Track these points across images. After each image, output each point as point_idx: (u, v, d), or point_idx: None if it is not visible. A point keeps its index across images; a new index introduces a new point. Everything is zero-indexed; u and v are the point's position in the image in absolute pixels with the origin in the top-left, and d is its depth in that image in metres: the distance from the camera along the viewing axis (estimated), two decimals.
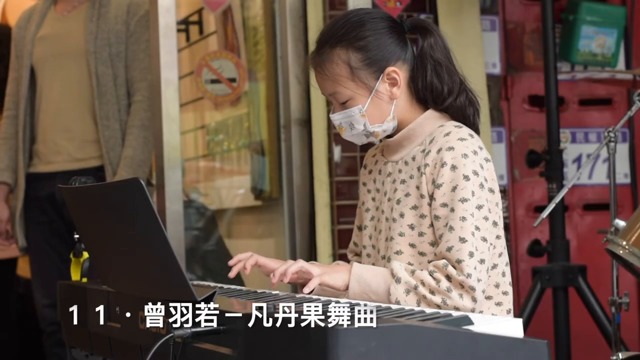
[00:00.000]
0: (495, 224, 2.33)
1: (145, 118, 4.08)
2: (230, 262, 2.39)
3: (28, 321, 5.55)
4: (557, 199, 3.55)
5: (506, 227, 4.56)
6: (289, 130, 4.35)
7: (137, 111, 4.08)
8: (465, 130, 2.36)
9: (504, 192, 4.58)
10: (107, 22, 4.08)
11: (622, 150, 4.36)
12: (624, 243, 3.06)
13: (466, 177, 2.28)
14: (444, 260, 2.25)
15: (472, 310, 2.22)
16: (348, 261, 2.64)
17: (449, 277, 2.23)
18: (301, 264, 2.30)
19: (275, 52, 4.45)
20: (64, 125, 4.08)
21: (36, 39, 4.16)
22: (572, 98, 4.74)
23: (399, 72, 2.39)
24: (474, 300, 2.22)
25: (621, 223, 3.14)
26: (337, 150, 4.22)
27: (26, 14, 4.32)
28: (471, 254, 2.23)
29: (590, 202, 4.72)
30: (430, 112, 2.42)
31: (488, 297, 2.34)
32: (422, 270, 2.29)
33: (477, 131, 2.41)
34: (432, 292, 2.23)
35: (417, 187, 2.35)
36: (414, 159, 2.39)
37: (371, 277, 2.29)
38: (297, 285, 2.39)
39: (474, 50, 4.37)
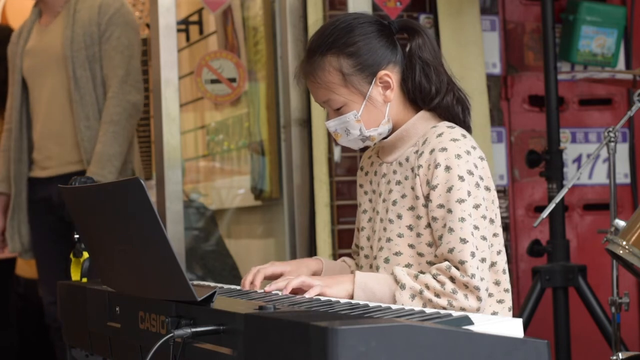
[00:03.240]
0: (492, 221, 2.34)
1: (115, 113, 4.09)
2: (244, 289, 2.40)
3: (28, 320, 5.56)
4: (557, 199, 3.55)
5: (506, 227, 4.56)
6: (289, 130, 4.35)
7: (107, 107, 4.10)
8: (458, 131, 2.36)
9: (504, 192, 4.58)
10: (82, 26, 4.14)
11: (622, 150, 4.36)
12: (624, 243, 3.06)
13: (461, 178, 2.28)
14: (446, 263, 2.25)
15: (478, 310, 2.23)
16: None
17: (452, 279, 2.23)
18: (303, 278, 2.30)
19: (275, 52, 4.45)
20: (54, 131, 4.17)
21: (24, 53, 4.28)
22: (572, 98, 4.74)
23: (391, 74, 2.40)
24: (479, 299, 2.23)
25: (621, 223, 3.14)
26: (337, 150, 4.22)
27: (17, 31, 4.43)
28: (473, 254, 2.24)
29: (590, 202, 4.72)
30: (423, 113, 2.42)
31: (489, 295, 2.35)
32: (423, 272, 2.29)
33: (468, 129, 2.42)
34: (437, 295, 2.23)
35: (412, 188, 2.36)
36: (407, 160, 2.39)
37: (375, 284, 2.29)
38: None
39: (474, 50, 4.37)
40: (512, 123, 4.66)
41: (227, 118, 4.93)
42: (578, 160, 4.70)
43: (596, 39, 4.60)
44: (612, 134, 3.43)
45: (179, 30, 4.57)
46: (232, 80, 4.50)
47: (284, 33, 4.35)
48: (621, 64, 4.69)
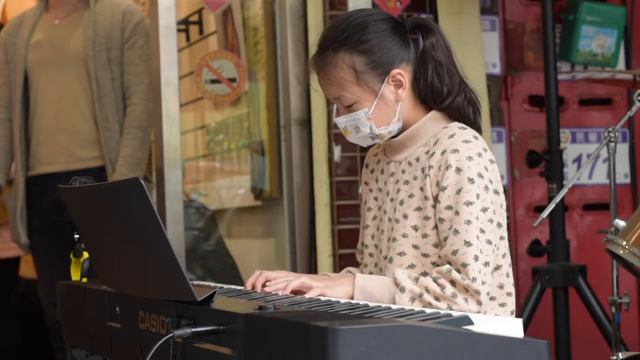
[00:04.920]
0: (499, 225, 2.33)
1: (143, 119, 4.17)
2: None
3: (28, 321, 5.56)
4: (557, 199, 3.55)
5: (506, 227, 4.56)
6: (289, 130, 4.35)
7: (134, 112, 4.17)
8: (470, 132, 2.35)
9: (504, 192, 4.58)
10: (103, 28, 4.19)
11: (622, 150, 4.36)
12: (624, 243, 3.06)
13: (471, 180, 2.27)
14: (447, 266, 2.24)
15: (478, 314, 2.21)
16: (354, 262, 2.64)
17: (453, 282, 2.22)
18: (303, 279, 2.29)
19: (275, 52, 4.45)
20: (66, 127, 4.16)
21: (30, 45, 4.26)
22: (572, 98, 4.74)
23: (404, 73, 2.38)
24: (479, 303, 2.22)
25: (621, 223, 3.14)
26: (337, 150, 4.22)
27: (16, 21, 4.41)
28: (476, 258, 2.23)
29: (590, 202, 4.72)
30: (434, 113, 2.41)
31: (492, 298, 2.34)
32: (425, 274, 2.29)
33: (479, 130, 2.41)
34: (437, 299, 2.22)
35: (421, 189, 2.34)
36: (418, 160, 2.38)
37: (375, 287, 2.28)
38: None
39: (474, 50, 4.37)
40: (512, 123, 4.66)
41: (227, 118, 4.93)
42: (578, 160, 4.70)
43: (596, 39, 4.60)
44: (612, 134, 3.43)
45: (179, 30, 4.57)
46: (232, 80, 4.50)
47: (284, 33, 4.35)
48: (621, 64, 4.69)
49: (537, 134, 4.62)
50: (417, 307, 2.22)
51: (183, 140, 4.50)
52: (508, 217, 4.58)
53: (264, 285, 2.35)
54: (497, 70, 4.61)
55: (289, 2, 4.32)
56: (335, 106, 2.45)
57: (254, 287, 2.36)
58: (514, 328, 1.76)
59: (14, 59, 4.28)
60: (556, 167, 3.93)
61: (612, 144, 3.44)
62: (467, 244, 2.23)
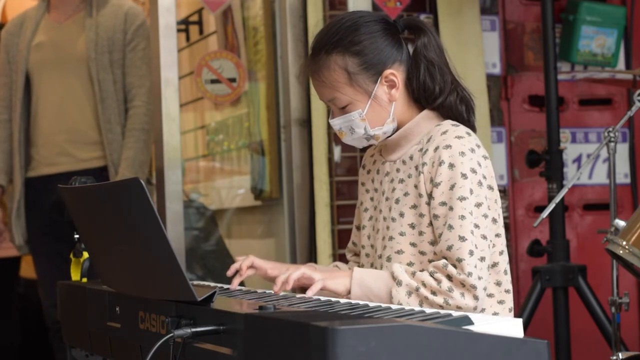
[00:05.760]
0: (494, 221, 2.33)
1: (145, 122, 4.16)
2: (229, 273, 2.43)
3: (29, 321, 5.56)
4: (557, 199, 3.55)
5: (506, 227, 4.55)
6: (289, 130, 4.35)
7: (137, 115, 4.16)
8: (462, 129, 2.36)
9: (504, 192, 4.58)
10: (105, 30, 4.18)
11: (622, 150, 4.36)
12: (624, 243, 3.05)
13: (464, 175, 2.28)
14: (443, 260, 2.25)
15: (474, 309, 2.22)
16: (346, 261, 2.64)
17: (449, 277, 2.23)
18: (303, 270, 2.30)
19: (275, 52, 4.45)
20: (67, 128, 4.16)
21: (32, 46, 4.25)
22: (572, 98, 4.74)
23: (397, 74, 2.39)
24: (476, 298, 2.22)
25: (621, 223, 3.14)
26: (337, 150, 4.22)
27: (17, 21, 4.40)
28: (471, 253, 2.23)
29: (590, 202, 4.72)
30: (427, 112, 2.42)
31: (490, 295, 2.34)
32: (422, 270, 2.29)
33: (473, 128, 2.42)
34: (433, 293, 2.23)
35: (416, 186, 2.35)
36: (411, 158, 2.39)
37: (372, 281, 2.29)
38: (297, 289, 2.40)
39: (474, 50, 4.37)
40: (512, 123, 4.66)
41: (227, 118, 4.93)
42: (578, 160, 4.70)
43: (596, 39, 4.60)
44: (612, 134, 3.43)
45: (179, 30, 4.57)
46: (232, 80, 4.50)
47: (284, 33, 4.35)
48: (621, 64, 4.70)
49: (537, 134, 4.62)
50: (413, 300, 2.23)
51: (183, 140, 4.50)
52: (508, 217, 4.58)
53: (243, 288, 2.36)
54: (497, 70, 4.61)
55: (289, 2, 4.32)
56: None
57: (236, 273, 2.39)
58: (514, 328, 1.76)
59: (15, 60, 4.28)
60: (556, 167, 3.94)
61: (612, 144, 3.44)
62: (462, 239, 2.24)
